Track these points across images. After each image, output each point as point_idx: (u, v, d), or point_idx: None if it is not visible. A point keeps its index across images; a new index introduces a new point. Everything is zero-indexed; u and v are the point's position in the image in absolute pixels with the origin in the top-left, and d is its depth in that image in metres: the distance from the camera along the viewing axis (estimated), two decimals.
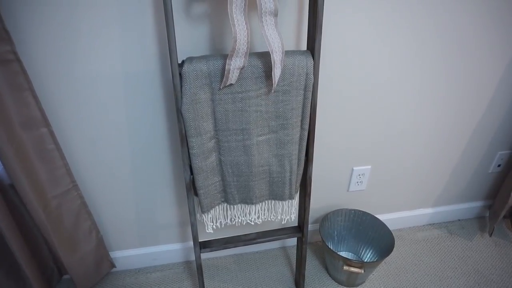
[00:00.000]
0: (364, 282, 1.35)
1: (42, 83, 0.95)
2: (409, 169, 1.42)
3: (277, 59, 0.82)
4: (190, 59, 0.85)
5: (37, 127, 0.97)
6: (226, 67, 0.82)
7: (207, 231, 1.08)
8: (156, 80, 1.01)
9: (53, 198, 1.07)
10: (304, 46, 1.02)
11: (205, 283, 1.36)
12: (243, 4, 0.76)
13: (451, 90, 1.23)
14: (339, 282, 1.35)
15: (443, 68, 1.17)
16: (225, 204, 1.07)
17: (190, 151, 0.93)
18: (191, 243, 1.38)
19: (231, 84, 0.86)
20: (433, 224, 1.64)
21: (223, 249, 1.15)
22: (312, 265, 1.43)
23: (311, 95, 0.92)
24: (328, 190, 1.39)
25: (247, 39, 0.79)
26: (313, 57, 0.89)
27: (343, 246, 1.45)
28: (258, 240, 1.16)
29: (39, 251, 1.20)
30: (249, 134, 0.93)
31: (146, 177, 1.19)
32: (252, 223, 1.11)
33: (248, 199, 1.05)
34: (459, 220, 1.66)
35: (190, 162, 0.95)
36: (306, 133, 0.98)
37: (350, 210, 1.40)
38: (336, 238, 1.44)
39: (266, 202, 1.09)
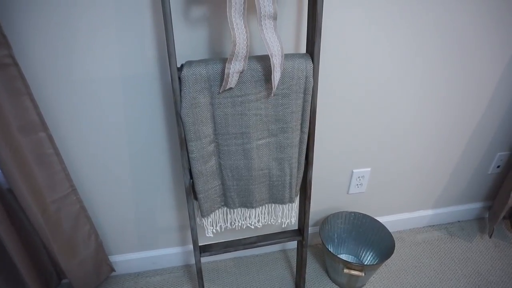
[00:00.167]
0: (365, 284, 1.35)
1: (40, 87, 0.94)
2: (409, 171, 1.42)
3: (276, 62, 0.81)
4: (189, 63, 0.84)
5: (35, 131, 0.96)
6: (226, 71, 0.81)
7: (207, 235, 1.08)
8: (155, 84, 1.00)
9: (52, 202, 1.07)
10: (303, 49, 1.01)
11: (205, 287, 1.35)
12: (242, 8, 0.76)
13: (450, 92, 1.23)
14: (339, 285, 1.35)
15: (443, 70, 1.17)
16: (225, 208, 1.07)
17: (190, 155, 0.92)
18: (191, 246, 1.38)
19: (230, 88, 0.86)
20: (433, 225, 1.64)
21: (223, 253, 1.15)
22: (312, 268, 1.43)
23: (310, 98, 0.91)
24: (328, 192, 1.39)
25: (247, 43, 0.79)
26: (312, 61, 0.88)
27: (343, 248, 1.45)
28: (258, 243, 1.16)
29: (38, 256, 1.20)
30: (249, 138, 0.93)
31: (145, 181, 1.18)
32: (252, 227, 1.11)
33: (248, 203, 1.05)
34: (458, 221, 1.66)
35: (190, 166, 0.95)
36: (306, 137, 0.97)
37: (350, 212, 1.40)
38: (336, 240, 1.44)
39: (266, 205, 1.08)
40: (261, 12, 0.77)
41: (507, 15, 1.10)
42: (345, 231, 1.43)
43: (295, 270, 1.41)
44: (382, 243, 1.34)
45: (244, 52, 0.80)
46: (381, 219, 1.44)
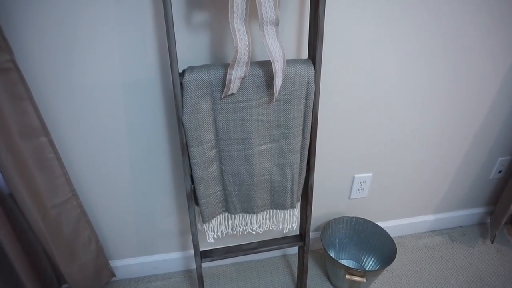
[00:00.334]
0: None
1: (41, 92, 0.94)
2: (410, 176, 1.42)
3: (278, 68, 0.81)
4: (191, 68, 0.84)
5: (36, 136, 0.96)
6: (227, 76, 0.81)
7: (208, 240, 1.07)
8: (157, 89, 1.00)
9: (52, 207, 1.06)
10: (305, 54, 1.01)
11: None
12: (244, 14, 0.76)
13: (451, 97, 1.23)
14: None
15: (444, 75, 1.17)
16: (226, 214, 1.07)
17: (191, 160, 0.92)
18: (192, 251, 1.37)
19: (232, 94, 0.86)
20: (435, 231, 1.63)
21: (224, 258, 1.14)
22: (313, 273, 1.42)
23: (312, 104, 0.91)
24: (330, 197, 1.39)
25: (248, 48, 0.79)
26: (314, 66, 0.88)
27: (344, 254, 1.44)
28: (260, 249, 1.15)
29: (38, 260, 1.19)
30: (250, 144, 0.93)
31: (147, 185, 1.18)
32: (254, 232, 1.10)
33: (249, 209, 1.04)
34: (460, 226, 1.66)
35: (191, 172, 0.95)
36: (307, 142, 0.97)
37: (352, 217, 1.40)
38: (337, 246, 1.43)
39: (268, 211, 1.08)
40: (263, 18, 0.77)
41: (509, 20, 1.10)
42: (346, 236, 1.43)
43: (296, 275, 1.41)
44: (383, 248, 1.34)
45: (246, 58, 0.80)
46: (382, 224, 1.44)
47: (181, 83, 0.83)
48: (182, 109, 0.85)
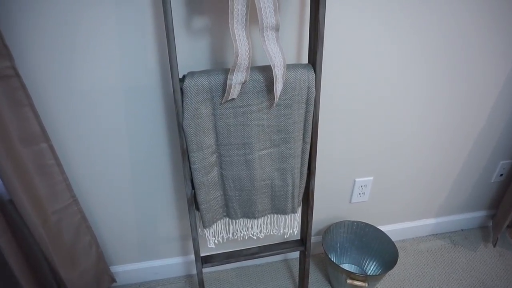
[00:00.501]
0: None
1: (42, 98, 0.94)
2: (411, 180, 1.41)
3: (278, 73, 0.81)
4: (191, 74, 0.84)
5: (36, 142, 0.96)
6: (228, 82, 0.81)
7: (208, 246, 1.07)
8: (157, 94, 1.00)
9: (52, 213, 1.06)
10: (305, 59, 1.01)
11: None
12: (244, 19, 0.76)
13: (452, 100, 1.22)
14: None
15: (445, 79, 1.17)
16: (227, 219, 1.06)
17: (192, 166, 0.92)
18: (193, 256, 1.37)
19: (232, 99, 0.86)
20: (436, 234, 1.62)
21: (225, 263, 1.14)
22: (315, 278, 1.41)
23: (313, 108, 0.91)
24: (331, 201, 1.38)
25: (249, 54, 0.79)
26: (314, 71, 0.88)
27: (346, 258, 1.44)
28: (260, 254, 1.15)
29: (38, 267, 1.19)
30: (251, 148, 0.93)
31: (147, 191, 1.18)
32: (254, 237, 1.10)
33: (250, 214, 1.04)
34: (462, 230, 1.65)
35: (192, 177, 0.95)
36: (308, 147, 0.97)
37: (353, 222, 1.39)
38: (339, 250, 1.43)
39: (269, 216, 1.08)
40: (263, 24, 0.77)
41: (511, 22, 1.10)
42: (347, 241, 1.42)
43: (297, 280, 1.40)
44: (385, 252, 1.33)
45: (246, 63, 0.80)
46: (383, 228, 1.43)
47: (181, 89, 0.83)
48: (183, 115, 0.85)
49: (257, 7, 0.75)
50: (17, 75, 0.86)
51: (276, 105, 0.89)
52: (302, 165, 0.99)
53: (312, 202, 1.07)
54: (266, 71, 0.85)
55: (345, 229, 1.40)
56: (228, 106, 0.87)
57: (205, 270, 1.42)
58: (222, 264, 1.14)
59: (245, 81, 0.83)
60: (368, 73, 1.10)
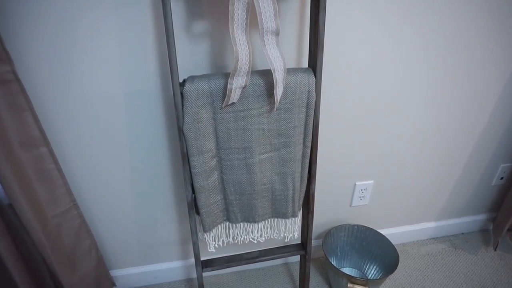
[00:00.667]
0: None
1: (41, 102, 0.94)
2: (412, 183, 1.41)
3: (279, 78, 0.81)
4: (192, 78, 0.84)
5: (36, 146, 0.96)
6: (228, 86, 0.81)
7: (209, 250, 1.07)
8: (157, 98, 1.00)
9: (52, 217, 1.06)
10: (305, 63, 1.01)
11: None
12: (244, 24, 0.76)
13: (452, 103, 1.22)
14: None
15: (445, 83, 1.17)
16: (227, 223, 1.06)
17: (192, 170, 0.92)
18: (193, 260, 1.36)
19: (233, 103, 0.85)
20: (437, 238, 1.62)
21: (225, 268, 1.14)
22: (315, 281, 1.41)
23: (313, 112, 0.91)
24: (331, 205, 1.38)
25: (249, 58, 0.79)
26: (314, 75, 0.88)
27: (346, 262, 1.43)
28: (261, 258, 1.14)
29: (37, 271, 1.18)
30: (251, 153, 0.92)
31: (147, 194, 1.17)
32: (255, 242, 1.10)
33: (250, 218, 1.04)
34: (462, 233, 1.65)
35: (192, 181, 0.94)
36: (308, 151, 0.97)
37: (353, 225, 1.39)
38: (339, 254, 1.42)
39: (269, 220, 1.07)
40: (263, 28, 0.77)
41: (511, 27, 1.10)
42: (348, 244, 1.42)
43: (298, 284, 1.39)
44: (385, 256, 1.33)
45: (247, 67, 0.80)
46: (384, 231, 1.43)
47: (181, 93, 0.83)
48: (183, 119, 0.85)
49: (257, 12, 0.75)
50: (17, 80, 0.86)
51: (276, 109, 0.89)
52: (302, 169, 0.99)
53: (313, 206, 1.07)
54: (267, 75, 0.85)
55: (345, 232, 1.40)
56: (229, 110, 0.87)
57: (205, 274, 1.41)
58: (222, 268, 1.14)
59: (245, 86, 0.83)
60: (368, 77, 1.10)
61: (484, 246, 1.57)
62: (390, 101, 1.17)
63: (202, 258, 1.12)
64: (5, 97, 0.86)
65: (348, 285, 1.18)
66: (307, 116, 0.91)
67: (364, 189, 1.36)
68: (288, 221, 1.07)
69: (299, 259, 1.27)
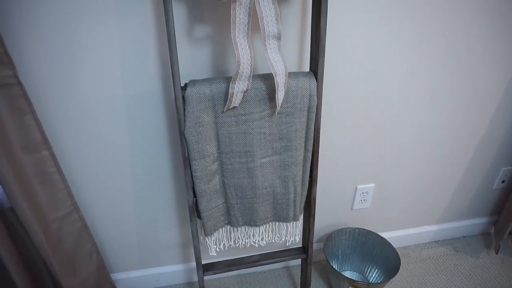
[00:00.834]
0: None
1: (43, 106, 0.94)
2: (413, 186, 1.41)
3: (280, 82, 0.81)
4: (193, 82, 0.84)
5: (38, 150, 0.96)
6: (230, 90, 0.81)
7: (210, 254, 1.06)
8: (158, 102, 1.00)
9: (53, 221, 1.06)
10: (306, 67, 1.01)
11: None
12: (246, 28, 0.76)
13: (453, 107, 1.22)
14: None
15: (446, 86, 1.17)
16: (229, 227, 1.06)
17: (193, 174, 0.92)
18: (194, 263, 1.36)
19: (234, 107, 0.85)
20: (438, 241, 1.62)
21: (226, 271, 1.13)
22: (316, 285, 1.41)
23: (314, 116, 0.91)
24: (332, 208, 1.38)
25: (251, 62, 0.79)
26: (316, 79, 0.88)
27: (348, 265, 1.43)
28: (262, 262, 1.14)
29: (38, 274, 1.18)
30: (253, 156, 0.92)
31: (148, 198, 1.17)
32: (256, 245, 1.09)
33: (252, 221, 1.04)
34: (464, 236, 1.64)
35: (193, 185, 0.94)
36: (310, 154, 0.97)
37: (354, 228, 1.38)
38: (340, 257, 1.42)
39: (270, 224, 1.07)
40: (265, 32, 0.77)
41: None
42: (349, 248, 1.42)
43: (299, 287, 1.39)
44: (387, 259, 1.32)
45: (248, 72, 0.80)
46: (385, 234, 1.43)
47: (183, 97, 0.83)
48: (184, 123, 0.85)
49: (259, 16, 0.75)
50: (19, 83, 0.86)
51: (278, 113, 0.89)
52: (304, 172, 0.99)
53: (314, 209, 1.07)
54: (268, 79, 0.85)
55: (346, 236, 1.40)
56: (230, 114, 0.87)
57: (206, 277, 1.40)
58: (223, 272, 1.14)
59: (247, 90, 0.83)
60: (369, 81, 1.10)
61: (486, 249, 1.57)
62: (392, 105, 1.17)
63: (203, 262, 1.12)
64: (6, 100, 0.86)
65: None
66: (308, 120, 0.91)
67: (365, 193, 1.36)
68: (290, 224, 1.07)
69: (300, 263, 1.27)
